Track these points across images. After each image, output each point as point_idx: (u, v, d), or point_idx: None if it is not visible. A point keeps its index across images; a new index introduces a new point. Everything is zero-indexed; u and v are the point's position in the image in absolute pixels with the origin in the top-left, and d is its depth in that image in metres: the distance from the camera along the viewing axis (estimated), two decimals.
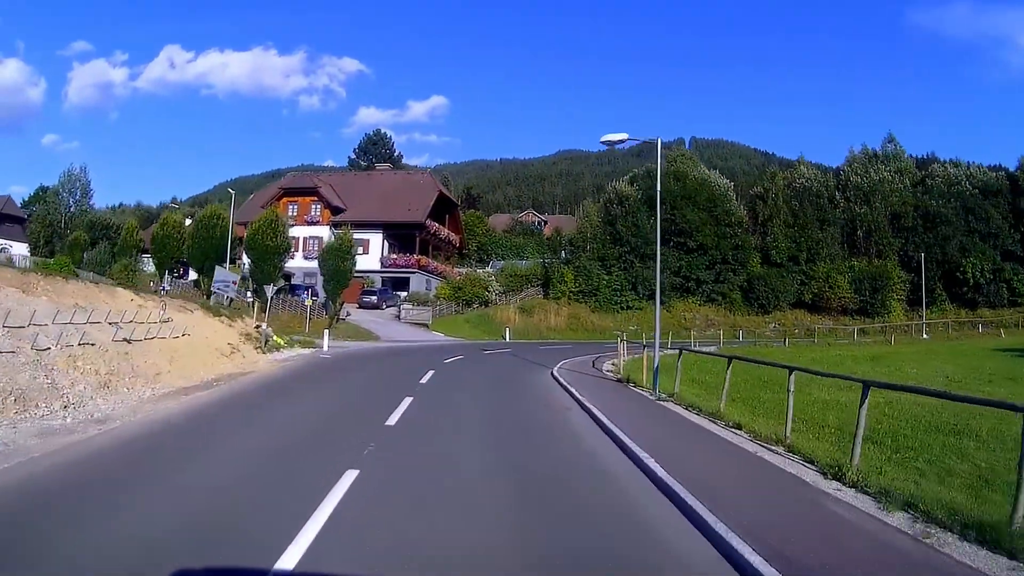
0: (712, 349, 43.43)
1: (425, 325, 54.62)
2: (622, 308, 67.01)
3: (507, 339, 52.51)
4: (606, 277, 67.30)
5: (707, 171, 78.20)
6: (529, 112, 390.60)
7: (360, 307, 60.93)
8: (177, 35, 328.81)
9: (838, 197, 79.73)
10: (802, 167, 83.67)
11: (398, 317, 56.46)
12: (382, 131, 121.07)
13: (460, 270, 67.70)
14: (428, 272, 69.04)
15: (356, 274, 68.37)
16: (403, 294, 62.97)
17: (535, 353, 38.70)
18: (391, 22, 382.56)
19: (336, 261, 48.59)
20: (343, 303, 51.64)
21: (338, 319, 49.12)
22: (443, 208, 75.66)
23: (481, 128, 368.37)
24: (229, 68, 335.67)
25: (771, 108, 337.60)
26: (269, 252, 47.60)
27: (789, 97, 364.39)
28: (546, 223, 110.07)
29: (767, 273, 71.98)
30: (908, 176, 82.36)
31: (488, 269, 69.51)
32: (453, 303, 61.89)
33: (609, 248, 68.97)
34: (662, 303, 63.98)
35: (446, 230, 75.65)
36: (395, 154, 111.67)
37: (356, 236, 69.96)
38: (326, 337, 35.97)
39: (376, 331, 48.03)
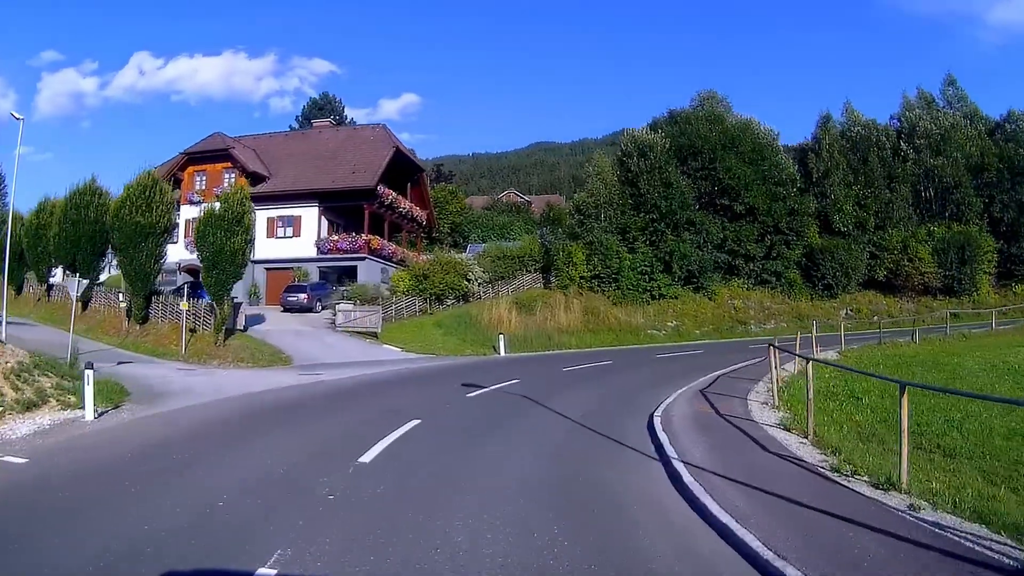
0: (832, 357, 28.23)
1: (373, 334, 38.19)
2: (653, 297, 51.17)
3: (502, 351, 36.42)
4: (629, 256, 51.03)
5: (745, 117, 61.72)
6: (502, 106, 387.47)
7: (285, 310, 44.94)
8: (146, 42, 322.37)
9: (904, 148, 64.38)
10: (854, 114, 67.62)
11: (334, 323, 39.49)
12: (329, 94, 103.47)
13: (430, 257, 50.78)
14: (382, 258, 52.26)
15: (281, 263, 52.67)
16: (349, 289, 46.03)
17: (583, 390, 23.01)
18: (361, 21, 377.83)
19: (219, 237, 31.21)
20: (238, 305, 34.82)
21: (232, 331, 32.33)
22: (402, 173, 58.76)
23: (454, 124, 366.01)
24: (199, 73, 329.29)
25: (756, 95, 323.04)
26: (141, 233, 31.41)
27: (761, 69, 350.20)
28: (530, 203, 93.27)
29: (831, 245, 56.67)
30: (980, 123, 67.72)
31: (466, 255, 52.66)
32: (417, 298, 45.19)
33: (631, 216, 53.01)
34: (699, 286, 48.75)
35: (407, 203, 58.51)
36: (346, 120, 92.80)
37: (284, 212, 53.92)
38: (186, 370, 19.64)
39: (291, 349, 31.97)
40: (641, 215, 52.63)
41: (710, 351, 36.94)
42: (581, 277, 48.95)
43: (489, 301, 45.71)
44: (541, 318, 43.33)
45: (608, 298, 48.98)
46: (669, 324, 48.56)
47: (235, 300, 34.21)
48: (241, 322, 34.43)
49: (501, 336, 37.04)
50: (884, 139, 64.91)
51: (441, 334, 38.99)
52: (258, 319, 39.42)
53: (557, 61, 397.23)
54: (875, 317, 55.14)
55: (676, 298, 51.35)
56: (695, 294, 52.74)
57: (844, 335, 35.44)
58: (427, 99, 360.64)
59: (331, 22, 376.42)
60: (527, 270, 52.19)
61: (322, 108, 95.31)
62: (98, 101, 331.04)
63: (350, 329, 38.41)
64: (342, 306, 40.44)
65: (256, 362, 28.95)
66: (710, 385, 21.37)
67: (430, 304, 45.37)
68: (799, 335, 30.83)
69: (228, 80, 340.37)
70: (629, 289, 49.87)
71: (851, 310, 56.36)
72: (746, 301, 53.89)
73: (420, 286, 45.28)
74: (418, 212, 60.84)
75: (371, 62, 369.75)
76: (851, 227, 58.72)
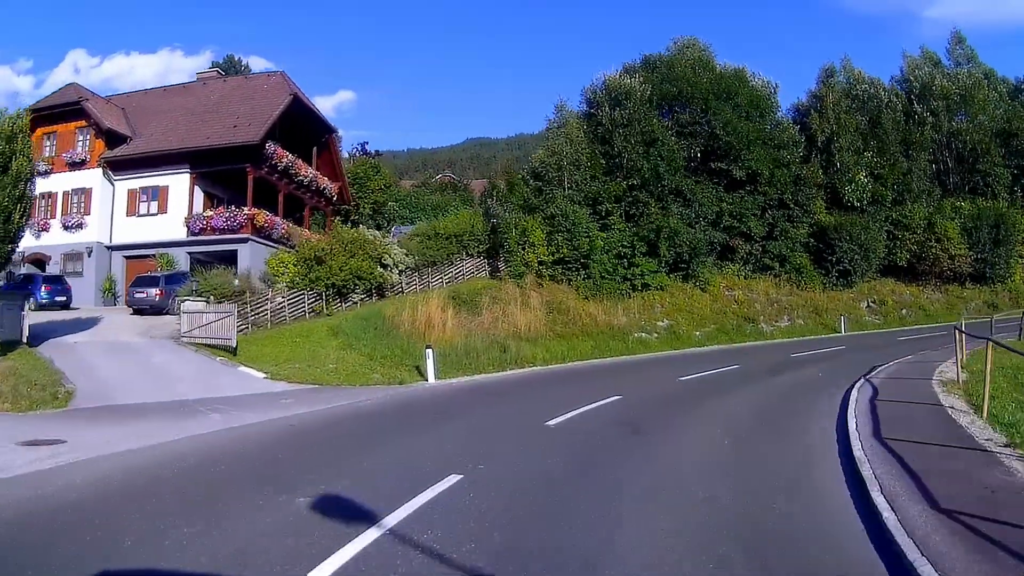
0: None
1: (228, 349, 25.90)
2: (634, 287, 40.18)
3: (430, 376, 23.21)
4: (602, 235, 40.14)
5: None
6: (437, 102, 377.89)
7: (135, 310, 33.50)
8: (82, 39, 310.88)
9: (919, 110, 54.40)
10: (854, 72, 57.44)
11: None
12: (235, 56, 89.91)
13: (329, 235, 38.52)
14: (273, 241, 39.98)
15: (143, 249, 40.52)
16: (197, 280, 33.29)
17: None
18: (298, 18, 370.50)
19: None
20: (17, 305, 22.86)
21: (11, 345, 20.41)
22: (306, 134, 46.63)
23: (389, 120, 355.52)
24: (136, 71, 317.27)
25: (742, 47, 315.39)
26: None
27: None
28: (468, 184, 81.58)
29: (846, 222, 46.43)
30: (999, 85, 59.13)
31: (391, 239, 40.58)
32: (308, 292, 33.29)
33: (603, 183, 42.14)
34: (689, 274, 37.46)
35: (310, 170, 46.19)
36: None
37: (148, 181, 41.52)
38: None
39: (84, 377, 19.91)
40: (616, 181, 41.80)
41: (790, 365, 26.64)
42: (540, 262, 37.82)
43: (415, 296, 34.04)
44: (489, 319, 31.97)
45: (577, 290, 37.98)
46: (660, 324, 37.79)
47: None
48: (21, 331, 22.28)
49: (429, 351, 24.28)
50: (895, 99, 55.12)
51: (337, 347, 26.96)
52: (83, 324, 27.56)
53: (493, 53, 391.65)
54: (903, 310, 45.66)
55: (663, 289, 40.72)
56: (684, 284, 42.10)
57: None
58: (362, 96, 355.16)
59: (268, 19, 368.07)
60: (468, 253, 40.74)
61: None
62: (33, 100, 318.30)
63: (198, 341, 26.42)
64: (189, 305, 28.31)
65: (15, 401, 17.00)
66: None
67: (327, 301, 33.59)
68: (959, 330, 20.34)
69: (164, 78, 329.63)
70: (604, 277, 38.96)
71: (873, 301, 46.80)
72: (748, 292, 43.43)
73: (312, 275, 33.32)
74: (326, 183, 48.40)
75: (308, 58, 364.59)
76: (865, 201, 49.00)
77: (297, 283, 33.28)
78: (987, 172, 53.22)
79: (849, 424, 12.82)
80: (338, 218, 51.28)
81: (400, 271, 36.31)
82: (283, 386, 21.90)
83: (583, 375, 25.15)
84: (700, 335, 37.69)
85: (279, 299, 32.29)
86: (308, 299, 33.14)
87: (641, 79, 44.79)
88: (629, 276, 39.61)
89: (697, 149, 45.50)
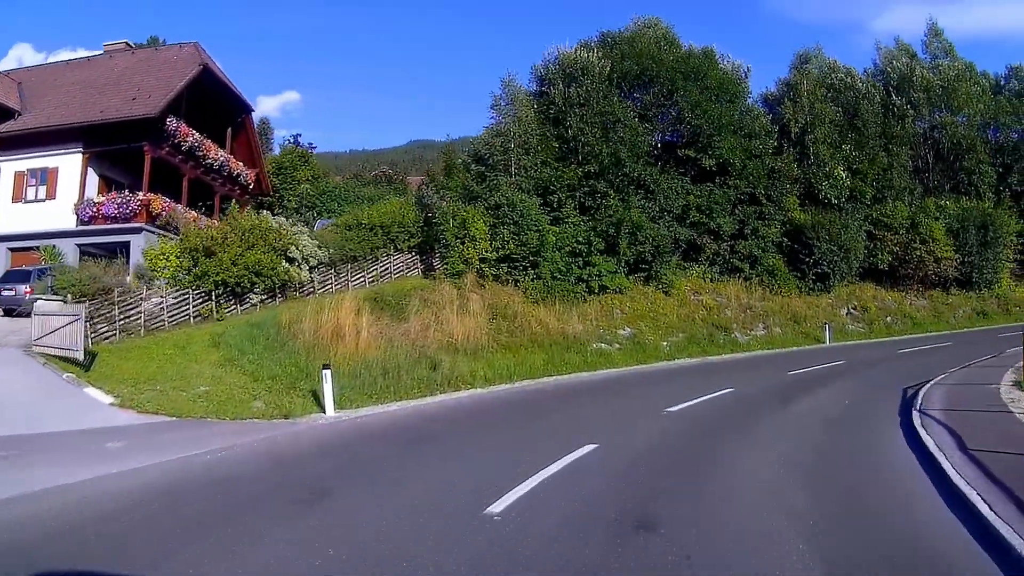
0: None
1: (76, 362, 20.31)
2: (590, 290, 35.07)
3: (328, 405, 17.68)
4: (554, 229, 35.16)
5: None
6: (381, 104, 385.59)
7: (5, 311, 28.09)
8: (28, 34, 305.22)
9: (899, 102, 50.65)
10: (827, 61, 53.45)
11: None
12: (159, 38, 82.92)
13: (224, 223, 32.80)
14: (165, 229, 34.01)
15: (29, 240, 34.95)
16: (54, 275, 27.28)
17: None
18: (245, 16, 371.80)
19: None
20: None
21: None
22: (218, 111, 41.08)
23: (333, 122, 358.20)
24: None
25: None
26: None
27: None
28: (404, 177, 76.04)
29: (824, 220, 42.22)
30: (980, 79, 55.51)
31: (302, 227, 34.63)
32: (191, 290, 27.68)
33: (556, 170, 37.12)
34: (651, 275, 30.47)
35: (221, 152, 40.41)
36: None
37: (36, 163, 35.76)
38: None
39: None
40: (571, 167, 36.87)
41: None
42: (483, 259, 32.53)
43: (326, 296, 28.55)
44: (418, 327, 26.54)
45: (525, 292, 32.81)
46: (621, 332, 32.85)
47: None
48: None
49: (327, 372, 17.83)
50: (872, 91, 51.18)
51: (216, 362, 21.41)
52: None
53: (436, 54, 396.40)
54: (887, 318, 41.81)
55: (622, 292, 35.74)
56: (646, 286, 37.29)
57: None
58: (307, 96, 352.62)
59: (214, 13, 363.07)
60: (397, 248, 35.39)
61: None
62: None
63: (49, 351, 20.80)
64: (42, 306, 22.75)
65: None
66: None
67: (219, 302, 28.04)
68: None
69: None
70: (556, 278, 33.83)
71: (853, 308, 42.98)
72: (717, 297, 38.78)
73: (199, 269, 27.67)
74: (241, 169, 42.61)
75: (254, 57, 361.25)
76: (844, 198, 45.07)
77: (181, 279, 27.58)
78: (971, 170, 50.31)
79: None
80: (261, 210, 45.39)
81: (312, 267, 30.66)
82: (128, 417, 16.61)
83: (536, 404, 20.06)
84: (668, 346, 32.94)
85: (157, 299, 26.62)
86: (194, 299, 27.47)
87: (599, 55, 39.78)
88: (585, 277, 34.59)
89: (662, 134, 41.16)
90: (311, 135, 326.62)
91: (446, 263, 32.80)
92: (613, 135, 37.28)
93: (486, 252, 32.72)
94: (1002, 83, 56.90)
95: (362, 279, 33.30)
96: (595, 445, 12.57)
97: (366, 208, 37.73)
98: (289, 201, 51.25)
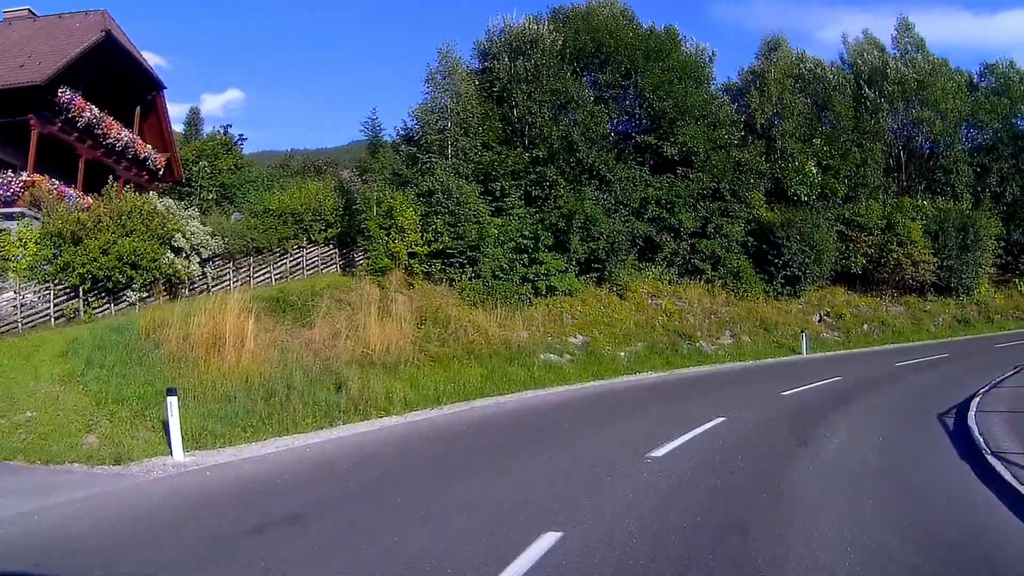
0: None
1: None
2: (537, 292, 30.98)
3: (175, 451, 12.84)
4: (496, 221, 31.04)
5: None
6: (323, 104, 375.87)
7: None
8: None
9: (873, 96, 47.87)
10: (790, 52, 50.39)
11: None
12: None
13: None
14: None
15: None
16: None
17: None
18: (192, 14, 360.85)
19: None
20: None
21: None
22: (126, 87, 36.38)
23: (277, 121, 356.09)
24: None
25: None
26: None
27: None
28: (336, 165, 71.48)
29: (794, 218, 38.92)
30: (954, 76, 52.94)
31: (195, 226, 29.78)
32: (52, 285, 22.88)
33: (498, 153, 33.08)
34: (604, 276, 27.84)
35: (127, 133, 35.66)
36: None
37: None
38: None
39: None
40: (516, 152, 32.93)
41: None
42: (412, 254, 28.33)
43: (215, 296, 23.75)
44: (326, 334, 22.09)
45: (461, 293, 28.66)
46: (572, 341, 28.83)
47: None
48: None
49: (172, 401, 12.87)
50: (844, 83, 48.66)
51: (58, 378, 16.19)
52: None
53: (380, 50, 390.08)
54: (863, 326, 38.80)
55: (572, 294, 31.79)
56: (599, 288, 33.44)
57: None
58: (250, 95, 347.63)
59: (161, 11, 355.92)
60: (311, 239, 31.02)
61: None
62: None
63: None
64: None
65: None
66: None
67: (87, 299, 23.37)
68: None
69: None
70: (497, 277, 29.67)
71: (826, 314, 39.75)
72: (678, 301, 34.96)
73: (62, 259, 22.95)
74: (150, 152, 37.79)
75: (199, 55, 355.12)
76: (814, 196, 41.91)
77: (41, 271, 22.92)
78: (949, 168, 47.82)
79: None
80: (162, 197, 40.52)
81: (204, 259, 26.15)
82: None
83: (466, 451, 14.50)
84: (626, 357, 28.89)
85: (9, 295, 22.01)
86: (57, 296, 22.85)
87: (551, 28, 35.81)
88: (531, 276, 30.52)
89: (620, 118, 37.64)
90: (256, 135, 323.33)
91: (369, 257, 28.53)
92: (565, 117, 33.51)
93: (416, 246, 28.51)
94: (976, 81, 54.57)
95: (267, 275, 28.99)
96: (557, 535, 7.75)
97: (275, 193, 33.22)
98: (209, 192, 46.42)
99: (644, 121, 37.83)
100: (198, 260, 25.78)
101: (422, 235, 28.84)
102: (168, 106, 44.21)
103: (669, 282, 36.66)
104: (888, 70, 49.05)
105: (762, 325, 35.14)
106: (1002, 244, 47.41)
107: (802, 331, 34.85)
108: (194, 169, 44.71)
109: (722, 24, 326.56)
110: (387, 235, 27.99)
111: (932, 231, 43.08)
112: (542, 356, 26.47)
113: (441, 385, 21.01)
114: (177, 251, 24.79)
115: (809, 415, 16.84)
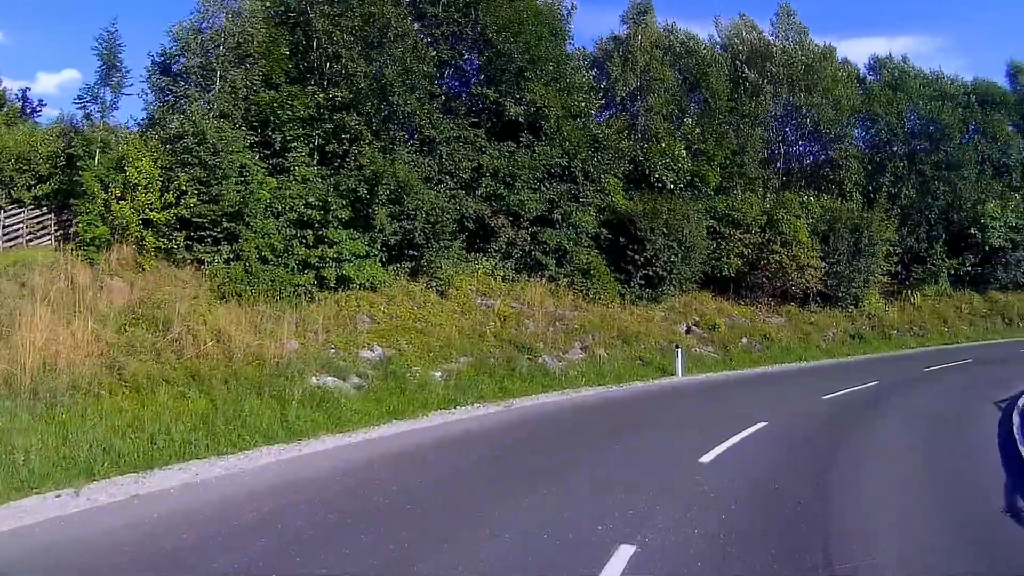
0: None
1: None
2: (322, 283, 24.53)
3: None
4: (271, 181, 24.39)
5: None
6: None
7: None
8: None
9: (754, 77, 44.76)
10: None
11: None
12: None
13: None
14: None
15: None
16: None
17: None
18: None
19: None
20: None
21: None
22: None
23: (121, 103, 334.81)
24: None
25: None
26: None
27: None
28: None
29: (660, 208, 34.30)
30: (843, 67, 51.21)
31: None
32: None
33: (285, 93, 26.11)
34: (421, 268, 23.79)
35: None
36: None
37: None
38: None
39: None
40: (310, 92, 26.50)
41: None
42: (147, 221, 21.62)
43: None
44: None
45: (211, 280, 22.20)
46: (366, 355, 22.25)
47: None
48: None
49: None
50: (720, 59, 45.52)
51: None
52: None
53: None
54: (743, 339, 34.88)
55: (374, 288, 25.67)
56: (413, 282, 27.49)
57: None
58: (87, 76, 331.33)
59: None
60: (12, 198, 23.60)
61: None
62: None
63: None
64: None
65: None
66: None
67: None
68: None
69: None
70: (267, 261, 23.27)
71: (695, 324, 35.41)
72: (515, 303, 29.41)
73: None
74: None
75: (38, 31, 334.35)
76: (682, 184, 37.64)
77: None
78: (838, 163, 45.69)
79: None
80: None
81: None
82: None
83: None
84: (443, 379, 22.33)
85: None
86: None
87: None
88: (315, 261, 24.10)
89: (453, 62, 32.09)
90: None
91: (81, 222, 21.41)
92: (380, 52, 27.14)
93: (152, 210, 21.70)
94: (864, 74, 53.52)
95: None
96: None
97: None
98: None
99: (484, 72, 32.39)
100: None
101: (161, 196, 22.04)
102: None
103: (504, 278, 30.99)
104: (773, 49, 46.36)
105: (620, 336, 29.89)
106: (897, 251, 45.54)
107: (675, 346, 29.90)
108: None
109: None
110: (105, 192, 21.03)
111: (820, 232, 40.45)
112: (314, 380, 19.51)
113: (110, 437, 13.74)
114: None
115: (771, 519, 11.31)
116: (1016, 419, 17.97)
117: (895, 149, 48.15)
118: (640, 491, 12.32)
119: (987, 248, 48.08)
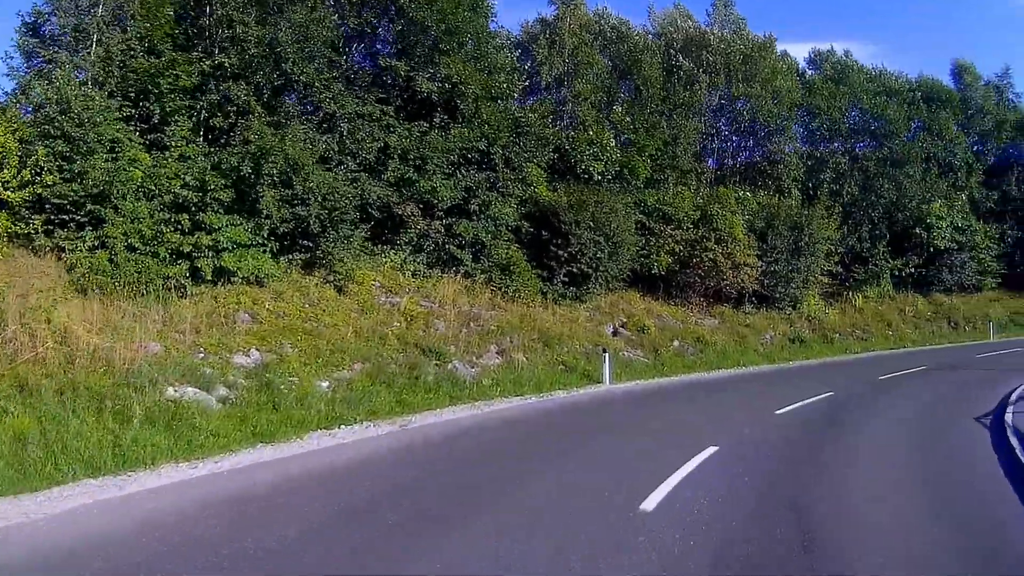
0: None
1: None
2: (196, 275, 22.19)
3: None
4: (144, 157, 22.08)
5: None
6: None
7: None
8: None
9: (689, 65, 43.79)
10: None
11: None
12: None
13: None
14: None
15: None
16: None
17: None
18: None
19: None
20: None
21: None
22: None
23: None
24: None
25: None
26: None
27: None
28: None
29: (587, 200, 32.97)
30: (783, 59, 51.20)
31: None
32: None
33: (166, 61, 23.53)
34: (317, 260, 22.64)
35: None
36: None
37: None
38: None
39: None
40: (195, 58, 24.25)
41: None
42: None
43: None
44: None
45: (70, 272, 19.99)
46: (240, 362, 19.97)
47: None
48: None
49: None
50: (654, 46, 44.55)
51: None
52: None
53: None
54: (674, 342, 33.54)
55: (260, 283, 23.56)
56: (307, 276, 25.45)
57: None
58: None
59: None
60: None
61: None
62: None
63: None
64: None
65: None
66: None
67: None
68: None
69: None
70: (134, 249, 21.01)
71: (622, 326, 33.85)
72: (426, 301, 27.66)
73: None
74: None
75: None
76: (610, 176, 36.43)
77: None
78: (776, 158, 45.01)
79: None
80: None
81: None
82: None
83: None
84: (331, 389, 19.99)
85: None
86: None
87: None
88: (189, 250, 21.89)
89: (358, 29, 30.10)
90: None
91: None
92: (276, 16, 25.22)
93: (7, 189, 19.53)
94: (803, 68, 53.68)
95: None
96: None
97: None
98: None
99: (395, 44, 30.59)
100: None
101: (18, 171, 19.87)
102: None
103: (414, 274, 29.16)
104: (710, 38, 45.29)
105: (541, 338, 28.20)
106: (839, 250, 44.98)
107: (603, 350, 27.75)
108: None
109: None
110: None
111: (758, 229, 39.61)
112: (171, 391, 16.95)
113: None
114: None
115: None
116: (1015, 441, 16.04)
117: (837, 145, 48.13)
118: (560, 566, 9.07)
119: (932, 249, 48.41)
